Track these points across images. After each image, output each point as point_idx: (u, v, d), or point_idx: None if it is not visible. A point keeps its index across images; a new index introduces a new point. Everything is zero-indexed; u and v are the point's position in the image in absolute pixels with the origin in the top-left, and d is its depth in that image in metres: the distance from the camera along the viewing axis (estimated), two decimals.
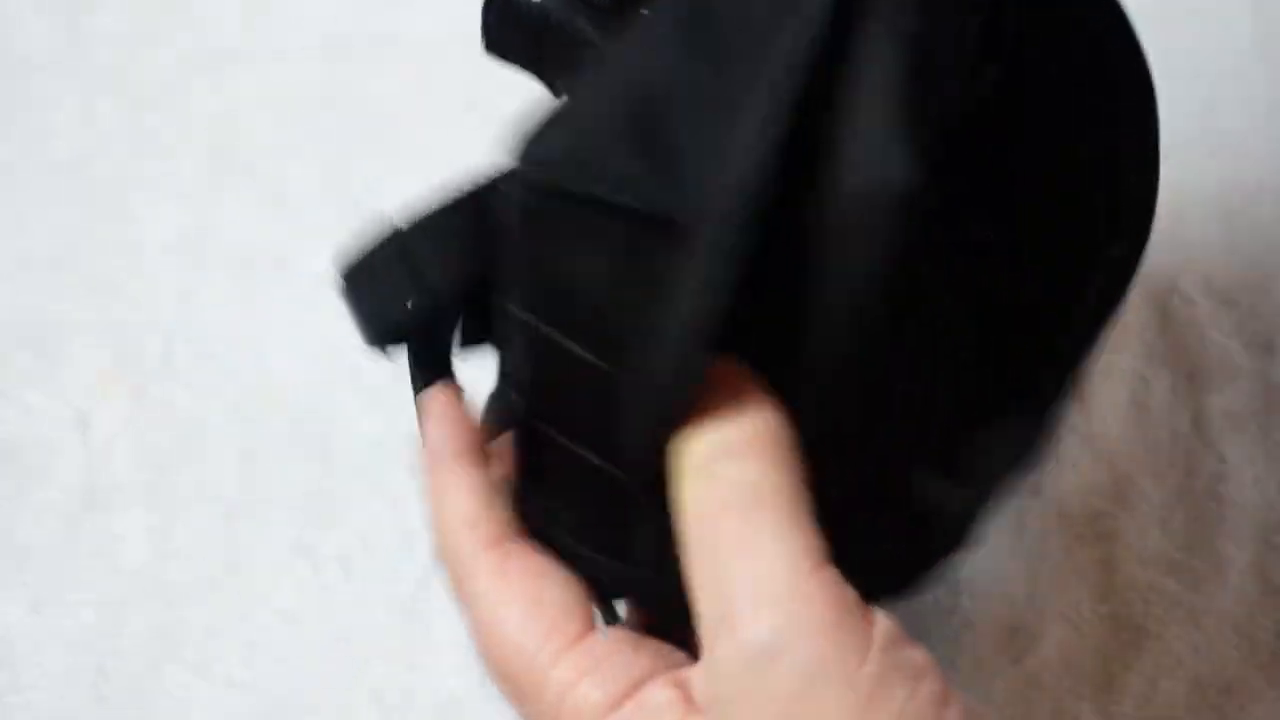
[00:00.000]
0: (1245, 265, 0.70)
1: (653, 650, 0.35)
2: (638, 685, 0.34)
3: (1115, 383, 0.65)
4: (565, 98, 0.40)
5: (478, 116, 0.75)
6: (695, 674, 0.34)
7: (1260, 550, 0.62)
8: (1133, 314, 0.66)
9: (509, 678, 0.35)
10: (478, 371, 0.43)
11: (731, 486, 0.32)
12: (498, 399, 0.41)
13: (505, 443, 0.40)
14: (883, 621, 0.31)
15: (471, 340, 0.43)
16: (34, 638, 0.59)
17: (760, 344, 0.35)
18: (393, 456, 0.64)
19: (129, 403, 0.65)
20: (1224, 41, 0.78)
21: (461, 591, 0.36)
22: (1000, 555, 0.61)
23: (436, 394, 0.39)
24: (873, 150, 0.35)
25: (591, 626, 0.35)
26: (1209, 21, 0.78)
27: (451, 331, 0.43)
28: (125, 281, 0.69)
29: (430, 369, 0.42)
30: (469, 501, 0.36)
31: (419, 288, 0.40)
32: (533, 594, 0.35)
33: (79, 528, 0.62)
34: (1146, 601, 0.59)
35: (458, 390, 0.40)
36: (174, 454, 0.64)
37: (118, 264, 0.69)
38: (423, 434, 0.39)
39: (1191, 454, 0.64)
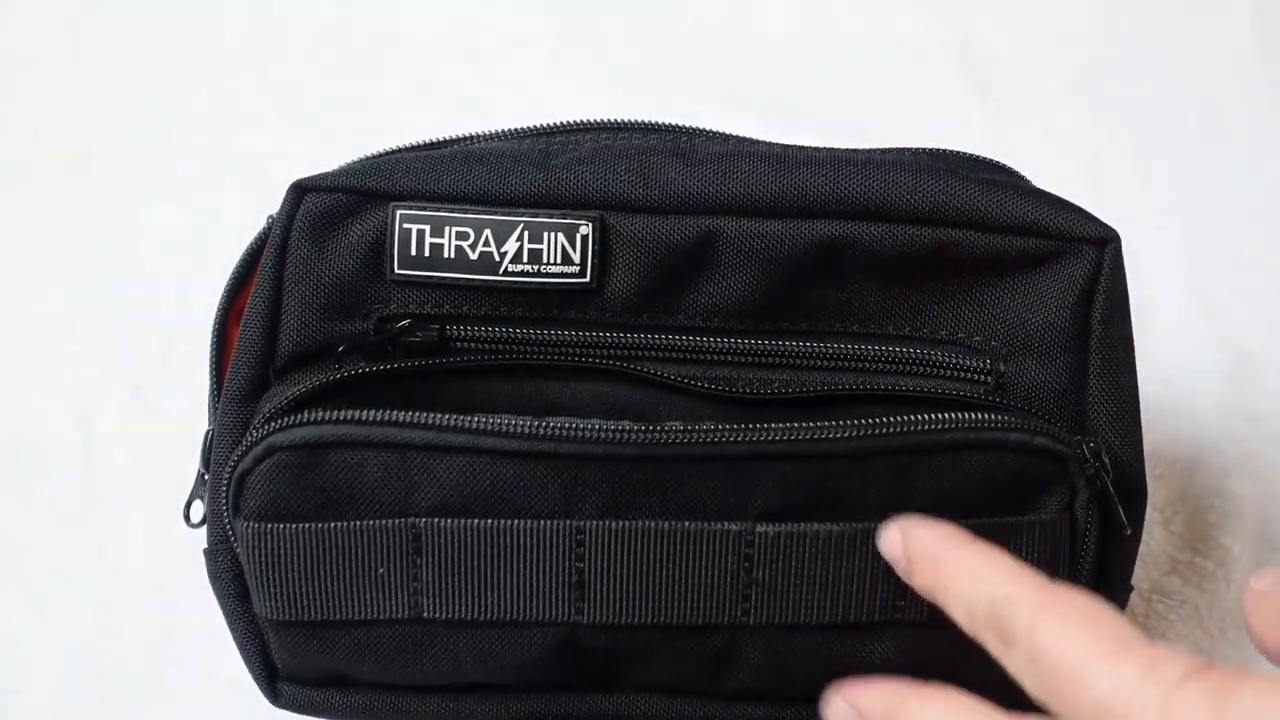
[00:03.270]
0: (1243, 265, 0.70)
1: None
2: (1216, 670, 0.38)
3: None
4: None
5: (477, 116, 0.75)
6: None
7: (1263, 548, 0.62)
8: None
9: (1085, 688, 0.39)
10: None
11: None
12: None
13: None
14: None
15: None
16: (34, 638, 0.59)
17: None
18: None
19: (129, 403, 0.65)
20: (1224, 41, 0.78)
21: (1026, 631, 0.40)
22: None
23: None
24: None
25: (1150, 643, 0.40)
26: (1209, 22, 0.78)
27: None
28: (125, 281, 0.69)
29: None
30: (1006, 562, 0.42)
31: None
32: (1093, 614, 0.39)
33: (79, 528, 0.62)
34: (1149, 601, 0.59)
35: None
36: (174, 454, 0.64)
37: (118, 264, 0.69)
38: (922, 540, 0.44)
39: (1193, 453, 0.64)
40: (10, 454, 0.64)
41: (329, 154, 0.71)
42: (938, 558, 0.43)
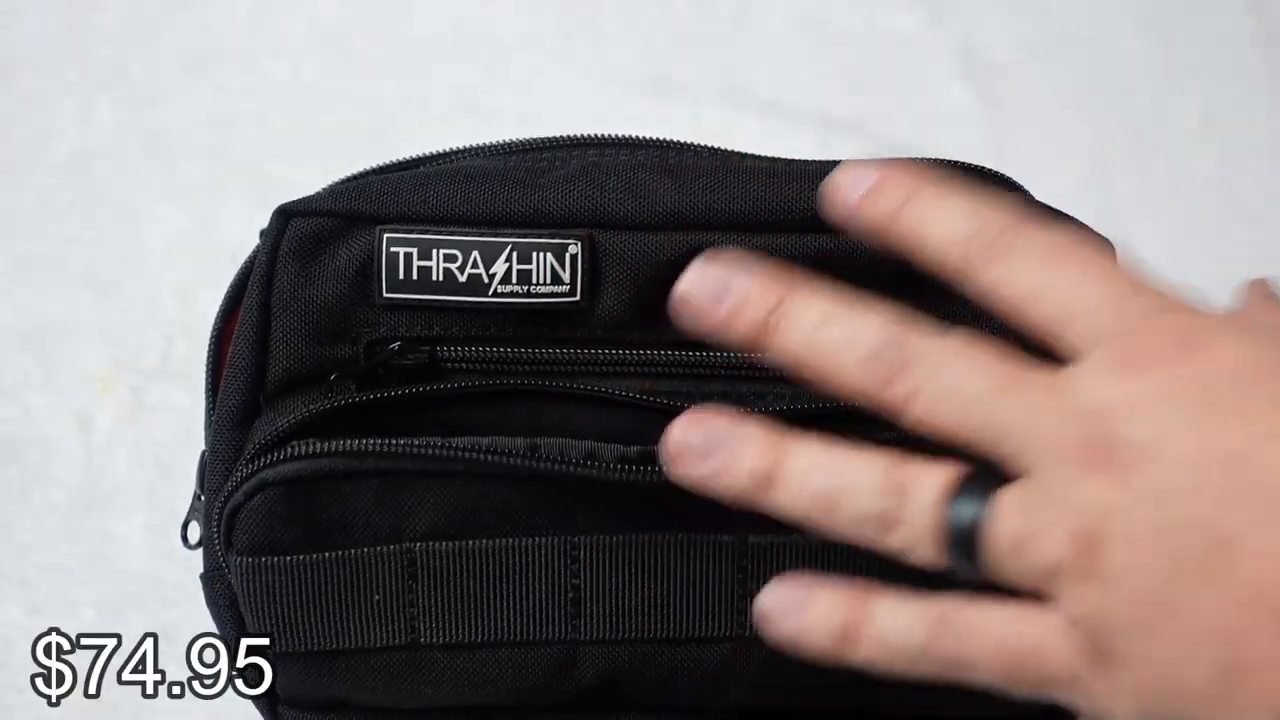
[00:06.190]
0: (1243, 265, 0.70)
1: None
2: None
3: None
4: None
5: (477, 116, 0.75)
6: None
7: None
8: None
9: None
10: None
11: None
12: None
13: None
14: None
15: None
16: (34, 638, 0.59)
17: None
18: None
19: (129, 403, 0.65)
20: (1224, 41, 0.78)
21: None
22: None
23: None
24: None
25: None
26: (1209, 21, 0.78)
27: None
28: (125, 281, 0.69)
29: None
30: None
31: None
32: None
33: (79, 528, 0.62)
34: None
35: None
36: (174, 454, 0.64)
37: (118, 264, 0.69)
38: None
39: None
40: (10, 454, 0.64)
41: (329, 154, 0.72)
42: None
